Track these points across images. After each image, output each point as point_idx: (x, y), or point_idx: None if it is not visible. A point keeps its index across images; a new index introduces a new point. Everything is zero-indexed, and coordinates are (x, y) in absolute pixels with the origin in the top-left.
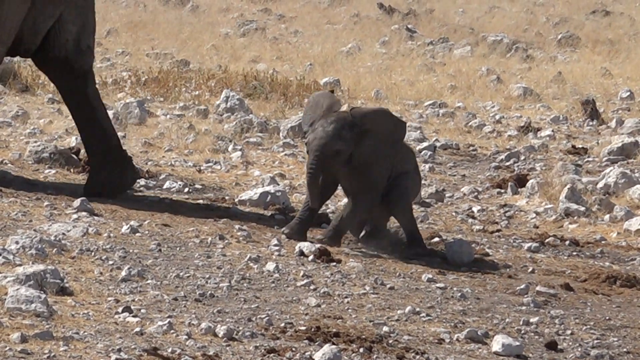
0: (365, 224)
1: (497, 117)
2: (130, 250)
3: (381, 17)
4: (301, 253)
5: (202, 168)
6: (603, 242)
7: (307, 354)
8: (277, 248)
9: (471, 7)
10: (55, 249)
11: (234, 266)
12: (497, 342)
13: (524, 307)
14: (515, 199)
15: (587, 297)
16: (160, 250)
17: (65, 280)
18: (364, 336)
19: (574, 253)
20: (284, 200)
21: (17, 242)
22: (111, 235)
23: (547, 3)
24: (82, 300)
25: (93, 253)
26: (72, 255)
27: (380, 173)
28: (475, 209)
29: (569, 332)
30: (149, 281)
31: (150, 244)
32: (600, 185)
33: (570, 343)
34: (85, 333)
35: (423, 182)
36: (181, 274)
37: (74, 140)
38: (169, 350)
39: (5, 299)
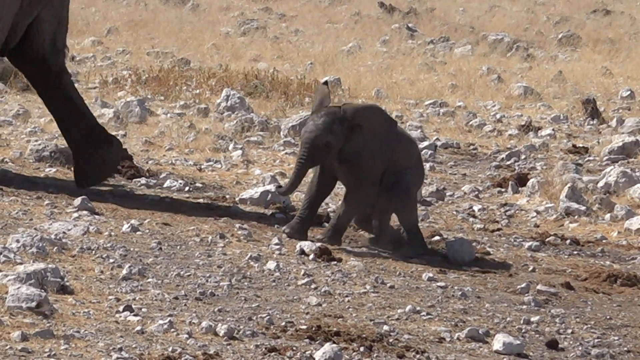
0: (371, 218)
1: (498, 116)
2: (131, 249)
3: (382, 16)
4: (302, 252)
5: (202, 167)
6: (604, 241)
7: (307, 352)
8: (277, 247)
9: (472, 6)
10: (56, 248)
11: (234, 265)
12: (498, 341)
13: (524, 306)
14: (515, 198)
15: (587, 296)
16: (160, 249)
17: (65, 279)
18: (364, 335)
19: (575, 252)
20: (285, 199)
21: (17, 241)
22: (112, 233)
23: (547, 2)
24: (83, 299)
25: (94, 252)
26: (73, 253)
27: (371, 168)
28: (476, 208)
29: (569, 331)
30: (149, 280)
31: (151, 243)
32: (600, 184)
33: (571, 342)
34: (86, 332)
35: (424, 181)
36: (182, 272)
37: None
38: (170, 349)
39: (5, 298)
